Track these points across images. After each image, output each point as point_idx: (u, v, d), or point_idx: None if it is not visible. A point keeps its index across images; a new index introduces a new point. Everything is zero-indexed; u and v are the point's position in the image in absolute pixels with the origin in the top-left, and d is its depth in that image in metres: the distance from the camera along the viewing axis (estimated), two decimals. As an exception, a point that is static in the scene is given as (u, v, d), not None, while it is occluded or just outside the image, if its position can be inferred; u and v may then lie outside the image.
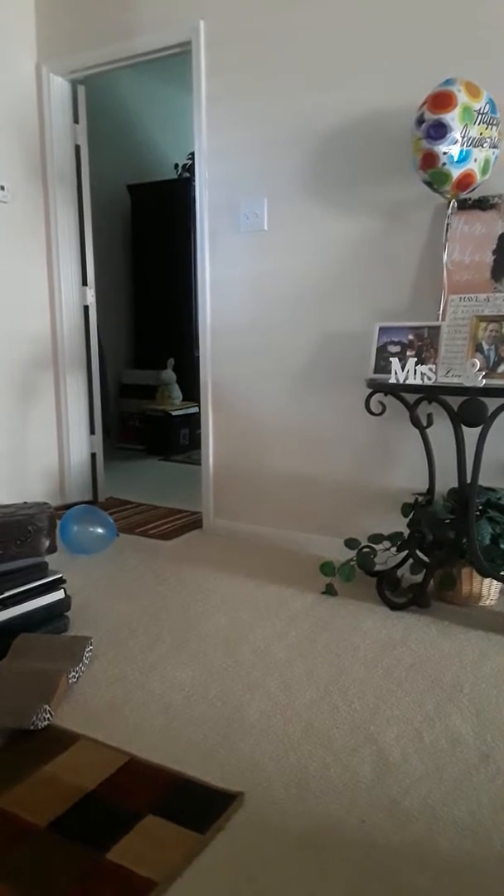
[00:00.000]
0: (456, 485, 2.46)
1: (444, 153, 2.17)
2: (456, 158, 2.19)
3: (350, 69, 2.64)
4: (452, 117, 2.14)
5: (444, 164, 2.19)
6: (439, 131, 2.17)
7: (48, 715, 1.67)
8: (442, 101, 2.17)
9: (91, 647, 2.01)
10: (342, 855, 1.29)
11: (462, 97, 2.16)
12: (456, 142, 2.16)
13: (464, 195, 2.36)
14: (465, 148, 2.19)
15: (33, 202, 3.48)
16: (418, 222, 2.58)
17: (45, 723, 1.66)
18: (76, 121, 3.58)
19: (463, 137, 2.17)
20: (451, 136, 2.15)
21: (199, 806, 1.41)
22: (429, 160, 2.22)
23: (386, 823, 1.38)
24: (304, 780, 1.51)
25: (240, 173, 2.96)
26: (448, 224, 2.43)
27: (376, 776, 1.52)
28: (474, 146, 2.20)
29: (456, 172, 2.22)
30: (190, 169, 5.25)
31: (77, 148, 3.60)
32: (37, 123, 3.45)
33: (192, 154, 5.20)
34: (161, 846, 1.30)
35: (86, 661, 1.96)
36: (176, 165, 5.48)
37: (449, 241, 2.45)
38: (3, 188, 3.29)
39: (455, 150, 2.18)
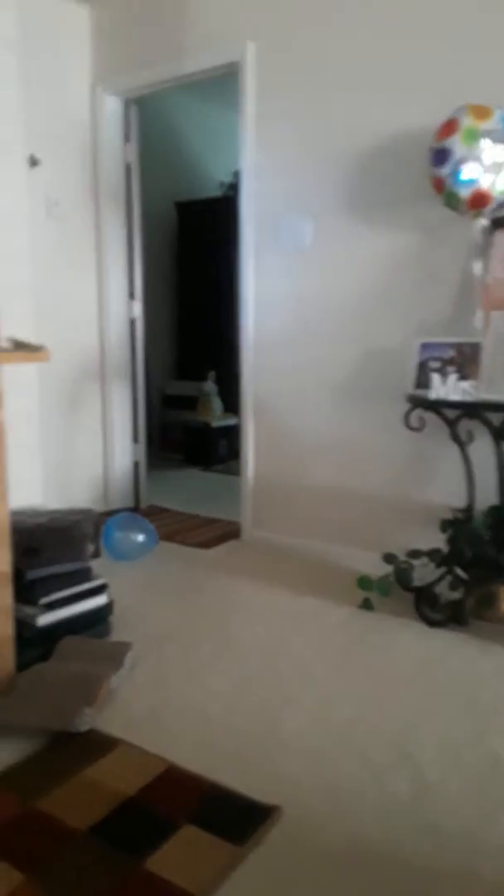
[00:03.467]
0: (495, 502, 2.43)
1: (447, 175, 2.23)
2: (461, 180, 2.22)
3: (394, 91, 2.66)
4: (454, 142, 2.21)
5: (451, 186, 2.24)
6: (440, 157, 2.26)
7: (90, 719, 1.71)
8: (445, 128, 2.26)
9: (132, 653, 2.05)
10: (380, 877, 1.29)
11: (466, 121, 2.20)
12: (459, 164, 2.19)
13: (490, 213, 2.36)
14: (471, 175, 2.21)
15: (85, 218, 3.57)
16: (459, 239, 2.57)
17: (87, 726, 1.70)
18: (127, 139, 3.67)
19: (468, 159, 2.19)
20: (452, 160, 2.20)
21: (236, 818, 1.42)
22: (437, 185, 2.32)
23: (424, 847, 1.37)
24: (341, 797, 1.51)
25: (284, 191, 3.00)
26: (479, 242, 2.43)
27: (414, 796, 1.51)
28: (485, 165, 2.21)
29: (465, 193, 2.24)
30: (234, 187, 5.32)
31: (128, 166, 3.69)
32: (90, 142, 3.55)
33: (237, 172, 5.29)
34: (198, 857, 1.32)
35: (127, 667, 1.99)
36: (221, 183, 5.56)
37: (491, 258, 2.44)
38: (56, 204, 3.39)
39: (464, 172, 2.21)
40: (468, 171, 2.20)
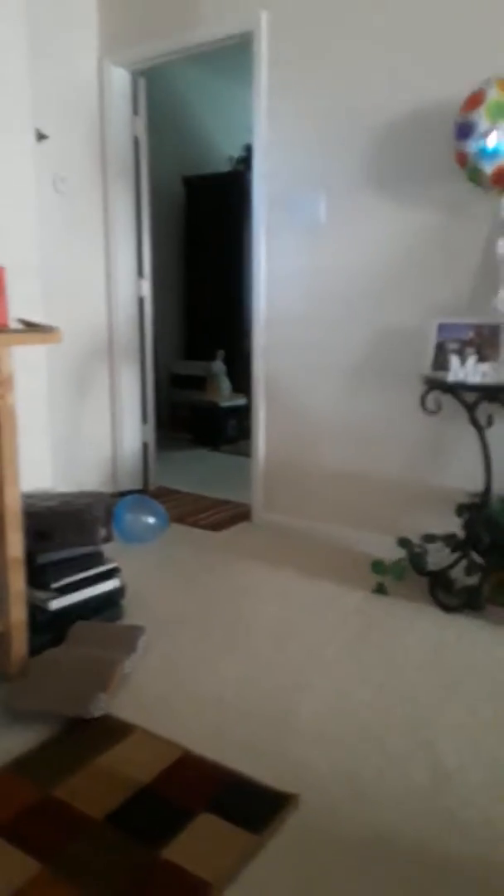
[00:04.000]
0: (515, 487, 2.39)
1: (471, 151, 2.17)
2: (486, 154, 2.15)
3: (413, 63, 2.57)
4: (479, 115, 2.13)
5: (474, 161, 2.17)
6: (464, 130, 2.19)
7: (104, 704, 1.69)
8: (471, 101, 2.18)
9: (145, 637, 2.03)
10: (399, 866, 1.27)
11: (492, 93, 2.12)
12: (483, 138, 2.12)
13: None
14: (496, 143, 2.14)
15: (92, 194, 3.50)
16: (479, 216, 2.50)
17: (102, 712, 1.68)
18: (136, 113, 3.58)
19: (492, 133, 2.12)
20: (476, 133, 2.13)
21: (253, 806, 1.41)
22: (460, 159, 2.26)
23: (444, 835, 1.35)
24: (359, 784, 1.49)
25: (298, 167, 2.92)
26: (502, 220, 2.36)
27: (433, 785, 1.50)
28: None
29: (489, 167, 2.17)
30: (244, 161, 5.22)
31: (136, 140, 3.61)
32: (97, 115, 3.47)
33: (247, 147, 5.18)
34: (216, 845, 1.30)
35: (140, 651, 1.98)
36: (230, 158, 5.45)
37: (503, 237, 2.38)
38: (63, 180, 3.32)
39: (486, 145, 2.14)
40: (492, 141, 2.13)
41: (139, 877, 1.23)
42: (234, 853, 1.28)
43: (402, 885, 1.23)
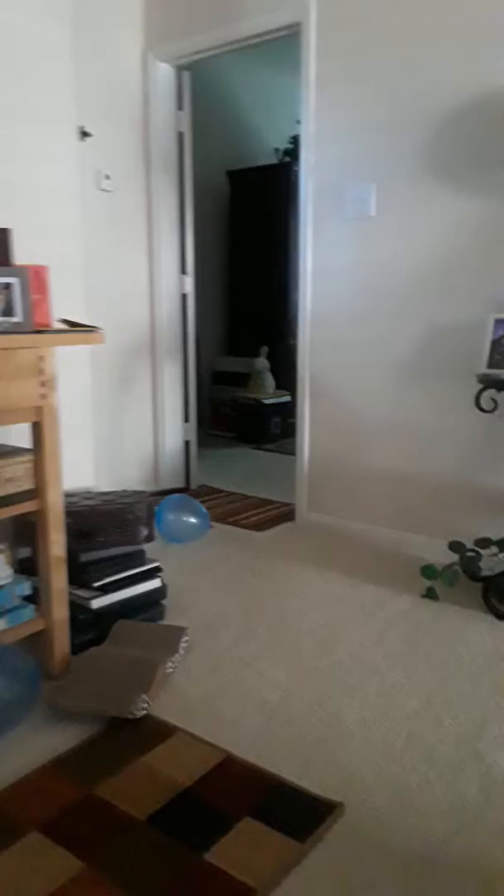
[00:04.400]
0: None
1: None
2: None
3: (468, 46, 2.48)
4: None
5: None
6: None
7: (146, 704, 1.67)
8: None
9: (187, 638, 2.01)
10: (447, 879, 1.22)
11: None
12: None
13: None
14: None
15: (136, 190, 3.50)
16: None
17: (143, 712, 1.67)
18: (180, 108, 3.57)
19: None
20: None
21: (297, 813, 1.37)
22: None
23: (495, 849, 1.29)
24: (407, 795, 1.44)
25: (346, 157, 2.86)
26: None
27: (485, 798, 1.43)
28: None
29: None
30: (290, 153, 5.17)
31: (180, 135, 3.60)
32: (141, 111, 3.47)
33: (293, 138, 5.13)
34: (259, 852, 1.27)
35: (182, 652, 1.95)
36: (276, 150, 5.40)
37: None
38: (108, 177, 3.33)
39: None
40: None
41: (182, 878, 1.20)
42: (277, 860, 1.25)
43: (453, 903, 1.18)
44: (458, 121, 2.56)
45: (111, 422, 3.52)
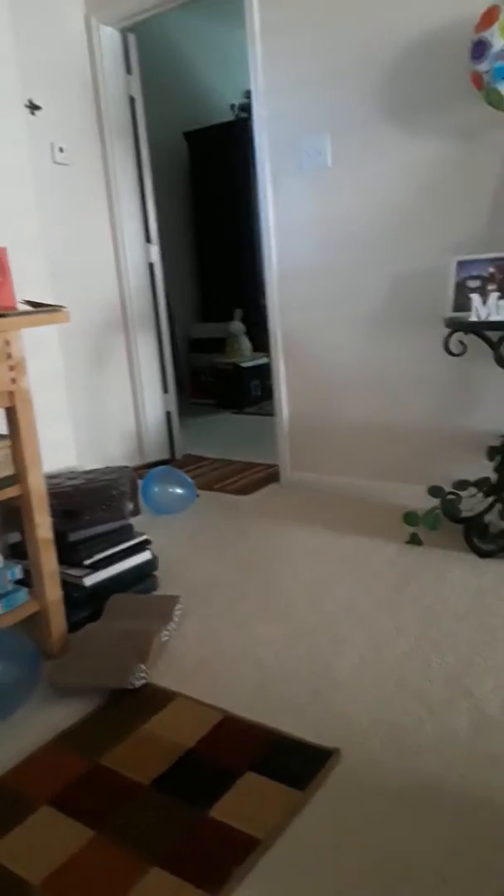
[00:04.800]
0: (546, 425, 2.33)
1: (486, 71, 2.03)
2: (501, 74, 2.03)
3: (413, -21, 2.42)
4: (492, 33, 2.01)
5: (489, 82, 2.05)
6: (478, 50, 2.07)
7: (144, 674, 1.72)
8: (485, 17, 2.06)
9: (180, 606, 2.05)
10: (442, 811, 1.28)
11: None
12: (500, 57, 1.99)
13: None
14: None
15: (92, 161, 3.43)
16: (497, 143, 2.38)
17: (142, 681, 1.71)
18: (129, 72, 3.47)
19: None
20: (490, 52, 2.00)
21: (296, 763, 1.43)
22: (476, 81, 2.14)
23: (487, 780, 1.36)
24: (400, 735, 1.50)
25: (299, 109, 2.81)
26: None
27: (474, 731, 1.49)
28: None
29: None
30: (246, 109, 5.04)
31: (132, 100, 3.51)
32: (90, 78, 3.37)
33: (248, 92, 5.00)
34: (262, 803, 1.32)
35: (176, 620, 2.00)
36: (232, 106, 5.27)
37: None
38: (62, 150, 3.25)
39: (502, 65, 2.02)
40: None
41: (189, 836, 1.26)
42: (279, 809, 1.31)
43: (447, 828, 1.24)
44: (406, 63, 2.51)
45: (90, 400, 3.51)
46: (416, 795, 1.33)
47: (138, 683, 1.70)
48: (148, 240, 3.66)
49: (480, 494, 2.45)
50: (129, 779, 1.42)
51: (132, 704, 1.66)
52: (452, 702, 1.60)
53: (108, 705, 1.67)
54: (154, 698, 1.68)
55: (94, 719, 1.62)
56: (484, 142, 2.41)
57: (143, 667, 1.72)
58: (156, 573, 2.28)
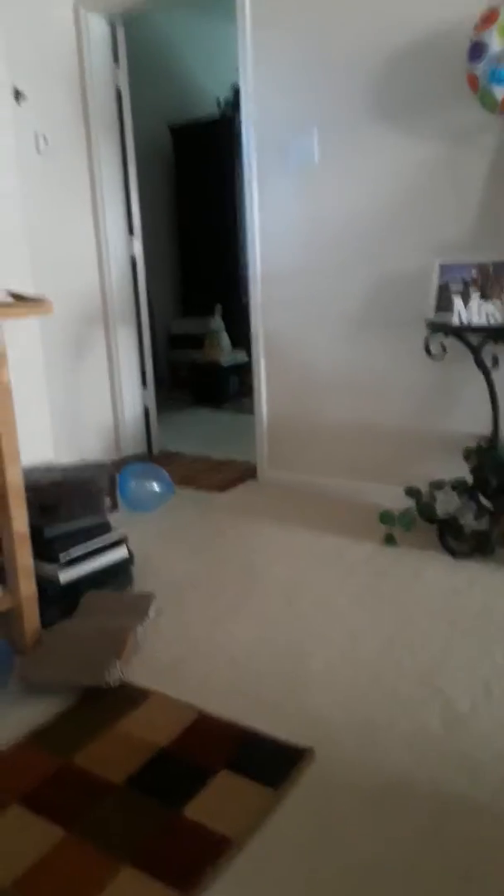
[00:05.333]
0: (521, 429, 2.36)
1: (483, 73, 2.04)
2: (497, 78, 2.04)
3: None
4: (491, 34, 2.00)
5: (485, 84, 2.06)
6: (476, 51, 2.09)
7: (119, 671, 1.71)
8: (485, 19, 2.07)
9: (155, 603, 2.04)
10: (415, 809, 1.30)
11: None
12: (497, 60, 2.01)
13: None
14: None
15: (76, 151, 3.39)
16: (484, 147, 2.40)
17: (116, 679, 1.70)
18: (116, 62, 3.44)
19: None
20: (487, 55, 2.01)
21: (270, 761, 1.43)
22: (471, 82, 2.16)
23: (458, 778, 1.37)
24: (373, 733, 1.51)
25: (288, 107, 2.80)
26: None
27: (446, 729, 1.51)
28: None
29: (500, 92, 2.06)
30: (233, 103, 5.02)
31: (118, 91, 3.47)
32: (77, 68, 3.33)
33: (236, 87, 4.97)
34: (236, 802, 1.33)
35: (151, 617, 1.99)
36: (218, 100, 5.24)
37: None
38: (46, 140, 3.21)
39: (499, 68, 2.03)
40: None
41: (161, 835, 1.26)
42: (253, 808, 1.31)
43: (417, 827, 1.25)
44: (398, 62, 2.52)
45: (67, 392, 3.48)
46: (388, 794, 1.34)
47: (113, 681, 1.69)
48: (131, 232, 3.63)
49: (456, 495, 2.47)
50: (101, 777, 1.41)
51: (106, 702, 1.65)
52: (425, 701, 1.61)
53: (81, 703, 1.65)
54: (128, 696, 1.67)
55: (67, 717, 1.60)
56: (472, 145, 2.43)
57: (117, 664, 1.71)
58: (131, 570, 2.26)
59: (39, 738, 1.53)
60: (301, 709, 1.61)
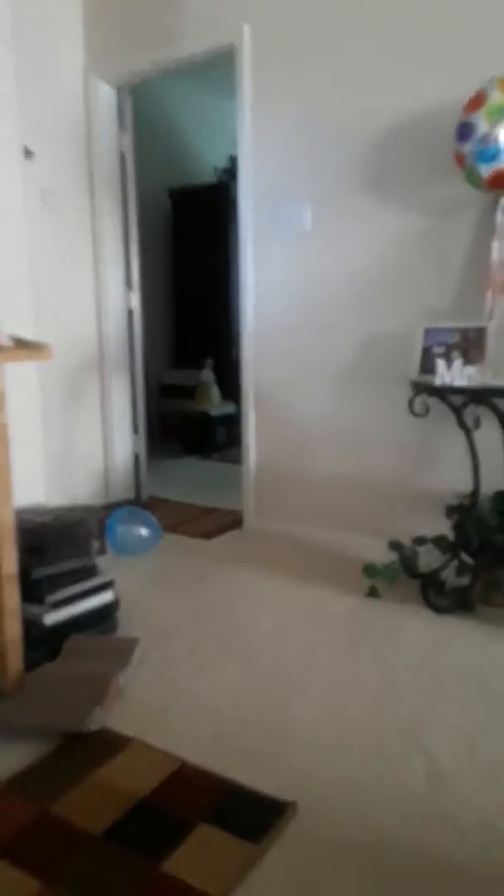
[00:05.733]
0: (500, 487, 2.42)
1: (470, 152, 2.17)
2: (484, 157, 2.17)
3: (396, 69, 2.60)
4: (479, 117, 2.14)
5: (472, 163, 2.19)
6: (464, 132, 2.21)
7: (100, 718, 1.69)
8: (473, 101, 2.21)
9: (140, 649, 2.04)
10: (399, 870, 1.28)
11: (495, 95, 2.13)
12: (483, 141, 2.14)
13: None
14: (494, 146, 2.15)
15: (80, 209, 3.51)
16: (466, 221, 2.54)
17: (98, 725, 1.68)
18: (122, 127, 3.60)
19: (492, 136, 2.14)
20: (475, 135, 2.15)
21: (252, 815, 1.41)
22: (459, 160, 2.28)
23: (442, 838, 1.36)
24: (357, 789, 1.50)
25: (283, 175, 2.95)
26: (500, 223, 2.39)
27: (430, 788, 1.51)
28: None
29: (486, 171, 2.20)
30: (230, 172, 5.25)
31: (122, 154, 3.63)
32: (84, 131, 3.48)
33: (232, 157, 5.20)
34: (215, 857, 1.31)
35: (135, 663, 1.98)
36: (215, 168, 5.48)
37: (498, 239, 2.41)
38: (51, 195, 3.33)
39: (486, 148, 2.17)
40: (495, 149, 2.16)
41: (139, 890, 1.23)
42: (234, 863, 1.29)
43: (401, 888, 1.24)
44: (387, 139, 2.68)
45: (60, 437, 3.51)
46: (372, 853, 1.33)
47: (94, 727, 1.67)
48: (129, 286, 3.73)
49: (438, 551, 2.51)
50: (80, 828, 1.38)
51: (87, 749, 1.63)
52: (408, 757, 1.61)
53: (61, 749, 1.63)
54: (109, 743, 1.65)
55: (46, 763, 1.58)
56: (454, 219, 2.56)
57: (99, 710, 1.69)
58: (117, 614, 2.25)
59: (18, 784, 1.51)
60: (284, 762, 1.60)
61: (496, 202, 2.38)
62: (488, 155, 2.18)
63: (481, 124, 2.16)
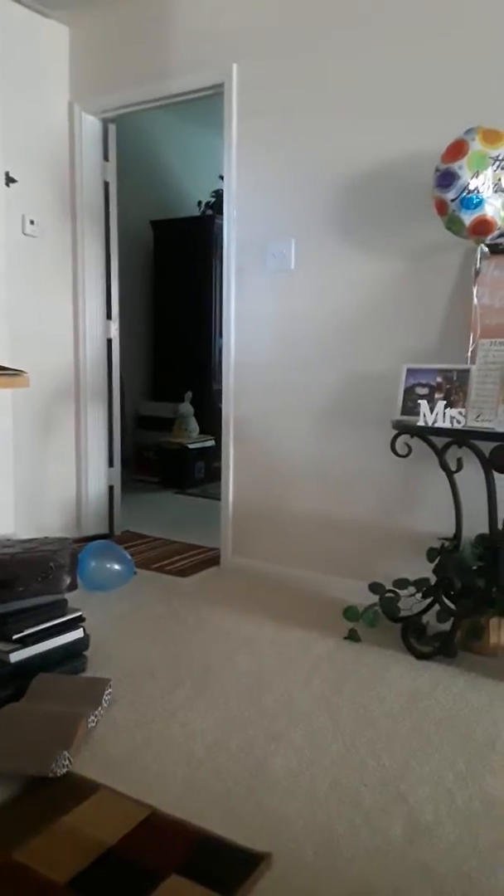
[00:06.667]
0: (483, 530, 2.41)
1: (452, 200, 2.21)
2: (466, 205, 2.22)
3: (380, 114, 2.67)
4: (461, 165, 2.20)
5: (454, 210, 2.23)
6: (445, 179, 2.25)
7: (67, 762, 1.61)
8: (453, 150, 2.26)
9: (110, 690, 1.96)
10: (377, 927, 1.23)
11: (476, 145, 2.19)
12: (465, 189, 2.20)
13: (490, 240, 2.37)
14: (476, 195, 2.21)
15: (61, 237, 3.52)
16: (448, 265, 2.59)
17: (65, 770, 1.61)
18: (106, 158, 3.64)
19: (474, 184, 2.19)
20: (457, 183, 2.20)
21: (224, 866, 1.35)
22: (439, 207, 2.32)
23: (420, 890, 1.31)
24: (334, 840, 1.44)
25: (268, 213, 2.99)
26: (479, 268, 2.43)
27: (408, 840, 1.45)
28: (492, 192, 2.21)
29: (468, 218, 2.24)
30: (213, 206, 5.33)
31: (106, 185, 3.66)
32: (68, 160, 3.51)
33: (216, 192, 5.30)
34: (187, 911, 1.24)
35: (105, 705, 1.90)
36: (199, 203, 5.56)
37: (479, 284, 2.45)
38: (32, 223, 3.33)
39: (468, 196, 2.21)
40: (478, 198, 2.21)
41: None
42: (205, 920, 1.22)
43: None
44: (367, 185, 2.74)
45: (32, 467, 3.44)
46: (349, 908, 1.27)
47: (60, 772, 1.59)
48: (108, 316, 3.73)
49: (419, 595, 2.48)
50: (44, 876, 1.30)
51: (52, 794, 1.54)
52: (387, 808, 1.56)
53: (25, 793, 1.54)
54: (76, 789, 1.57)
55: (10, 808, 1.49)
56: (436, 263, 2.61)
57: (66, 754, 1.62)
58: (86, 653, 2.18)
59: (-23, 832, 1.42)
60: (259, 811, 1.53)
61: (475, 248, 2.44)
62: (472, 203, 2.23)
63: (465, 173, 2.21)
